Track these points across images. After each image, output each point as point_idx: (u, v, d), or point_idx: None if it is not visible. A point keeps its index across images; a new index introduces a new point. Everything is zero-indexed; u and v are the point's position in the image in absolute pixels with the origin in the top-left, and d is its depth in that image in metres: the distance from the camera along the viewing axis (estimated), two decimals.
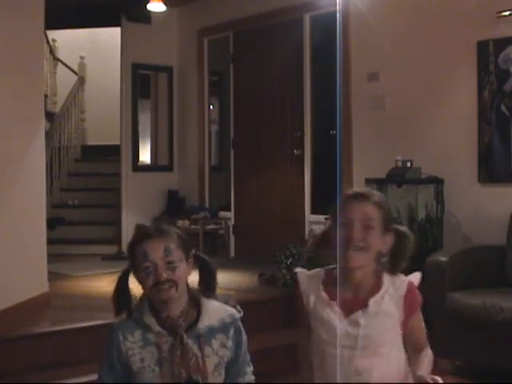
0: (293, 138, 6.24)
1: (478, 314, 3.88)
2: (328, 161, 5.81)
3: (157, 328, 2.07)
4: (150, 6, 6.65)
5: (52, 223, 6.86)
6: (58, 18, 6.55)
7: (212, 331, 2.07)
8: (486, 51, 4.74)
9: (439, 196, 4.82)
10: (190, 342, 2.04)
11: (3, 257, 3.89)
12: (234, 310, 2.15)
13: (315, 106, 6.15)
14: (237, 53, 6.86)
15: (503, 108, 4.69)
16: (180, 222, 7.04)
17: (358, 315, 2.03)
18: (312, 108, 6.14)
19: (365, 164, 5.49)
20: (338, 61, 4.65)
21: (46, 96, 6.67)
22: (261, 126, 6.61)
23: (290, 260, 4.96)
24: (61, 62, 9.23)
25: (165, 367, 2.03)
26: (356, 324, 2.02)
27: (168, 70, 7.53)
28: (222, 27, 6.87)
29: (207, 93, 7.25)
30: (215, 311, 2.12)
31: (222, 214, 7.02)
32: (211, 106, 7.46)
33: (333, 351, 2.03)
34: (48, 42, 8.31)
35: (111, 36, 8.03)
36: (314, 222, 5.85)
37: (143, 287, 2.17)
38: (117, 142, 7.48)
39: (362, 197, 2.05)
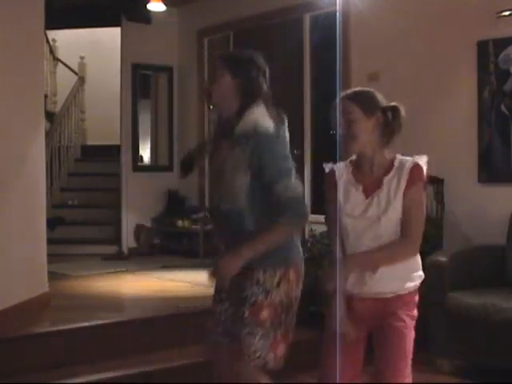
0: (293, 138, 6.23)
1: (478, 314, 3.88)
2: (328, 161, 5.79)
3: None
4: (150, 6, 6.65)
5: (52, 223, 6.87)
6: (58, 18, 6.55)
7: (239, 138, 2.50)
8: (486, 51, 4.74)
9: (439, 196, 4.82)
10: (225, 143, 2.57)
11: (3, 257, 3.89)
12: (263, 125, 2.50)
13: (315, 106, 6.15)
14: None
15: (503, 108, 4.69)
16: (180, 222, 7.06)
17: (376, 193, 2.41)
18: (312, 108, 6.14)
19: None
20: (338, 61, 4.64)
21: (46, 96, 6.67)
22: None
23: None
24: (61, 61, 9.23)
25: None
26: (372, 200, 2.42)
27: (168, 70, 7.53)
28: (222, 27, 6.87)
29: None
30: (246, 121, 2.52)
31: None
32: (211, 106, 7.45)
33: (354, 223, 2.43)
34: (48, 41, 8.30)
35: (111, 36, 8.03)
36: (314, 222, 5.84)
37: None
38: (117, 142, 7.48)
39: (342, 98, 2.45)
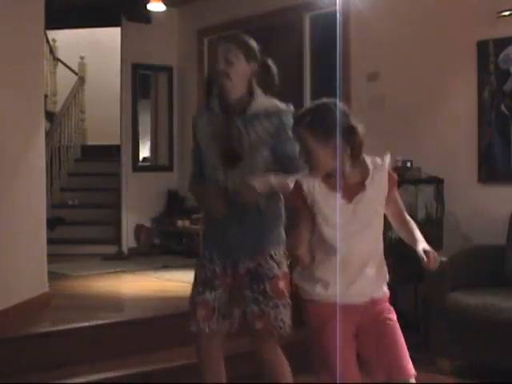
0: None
1: (478, 314, 3.88)
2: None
3: (217, 110, 2.77)
4: (150, 6, 6.65)
5: (52, 223, 6.87)
6: (58, 18, 6.54)
7: (257, 116, 2.69)
8: (486, 51, 4.74)
9: (439, 196, 4.82)
10: (238, 122, 2.70)
11: (3, 257, 3.89)
12: (282, 105, 2.74)
13: None
14: None
15: (503, 108, 4.69)
16: (180, 222, 7.06)
17: (359, 197, 2.40)
18: None
19: None
20: (338, 61, 4.64)
21: (46, 96, 6.66)
22: None
23: (291, 260, 4.94)
24: (61, 62, 9.23)
25: (216, 140, 2.73)
26: (357, 204, 2.40)
27: (168, 70, 7.53)
28: (222, 27, 6.86)
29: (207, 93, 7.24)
30: (264, 103, 2.73)
31: None
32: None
33: (333, 231, 2.39)
34: (48, 41, 8.30)
35: (111, 36, 8.03)
36: None
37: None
38: (117, 142, 7.48)
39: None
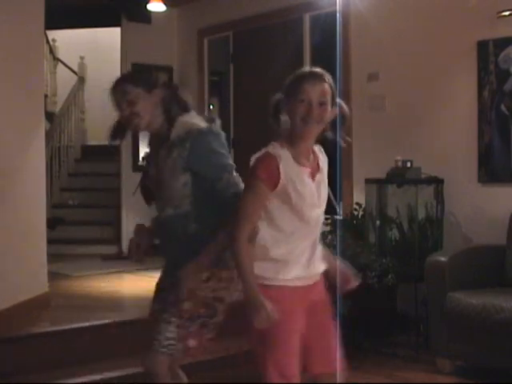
0: None
1: (478, 314, 3.88)
2: (328, 160, 5.80)
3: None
4: (150, 6, 6.65)
5: (52, 223, 6.86)
6: (58, 18, 6.54)
7: (174, 143, 2.52)
8: (486, 51, 4.74)
9: (439, 196, 4.82)
10: (162, 152, 2.59)
11: (3, 257, 3.89)
12: (198, 126, 2.52)
13: None
14: (237, 53, 6.86)
15: (503, 108, 4.69)
16: None
17: (319, 177, 2.39)
18: None
19: (365, 164, 5.49)
20: (338, 61, 4.64)
21: (46, 96, 6.66)
22: (261, 126, 6.58)
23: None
24: (61, 61, 9.24)
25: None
26: (319, 184, 2.38)
27: (168, 70, 7.53)
28: (222, 27, 6.87)
29: (207, 93, 7.25)
30: (179, 127, 2.55)
31: None
32: (211, 106, 7.46)
33: (309, 210, 2.31)
34: (48, 41, 8.31)
35: (111, 36, 8.03)
36: None
37: None
38: (117, 142, 7.47)
39: (318, 77, 2.37)
